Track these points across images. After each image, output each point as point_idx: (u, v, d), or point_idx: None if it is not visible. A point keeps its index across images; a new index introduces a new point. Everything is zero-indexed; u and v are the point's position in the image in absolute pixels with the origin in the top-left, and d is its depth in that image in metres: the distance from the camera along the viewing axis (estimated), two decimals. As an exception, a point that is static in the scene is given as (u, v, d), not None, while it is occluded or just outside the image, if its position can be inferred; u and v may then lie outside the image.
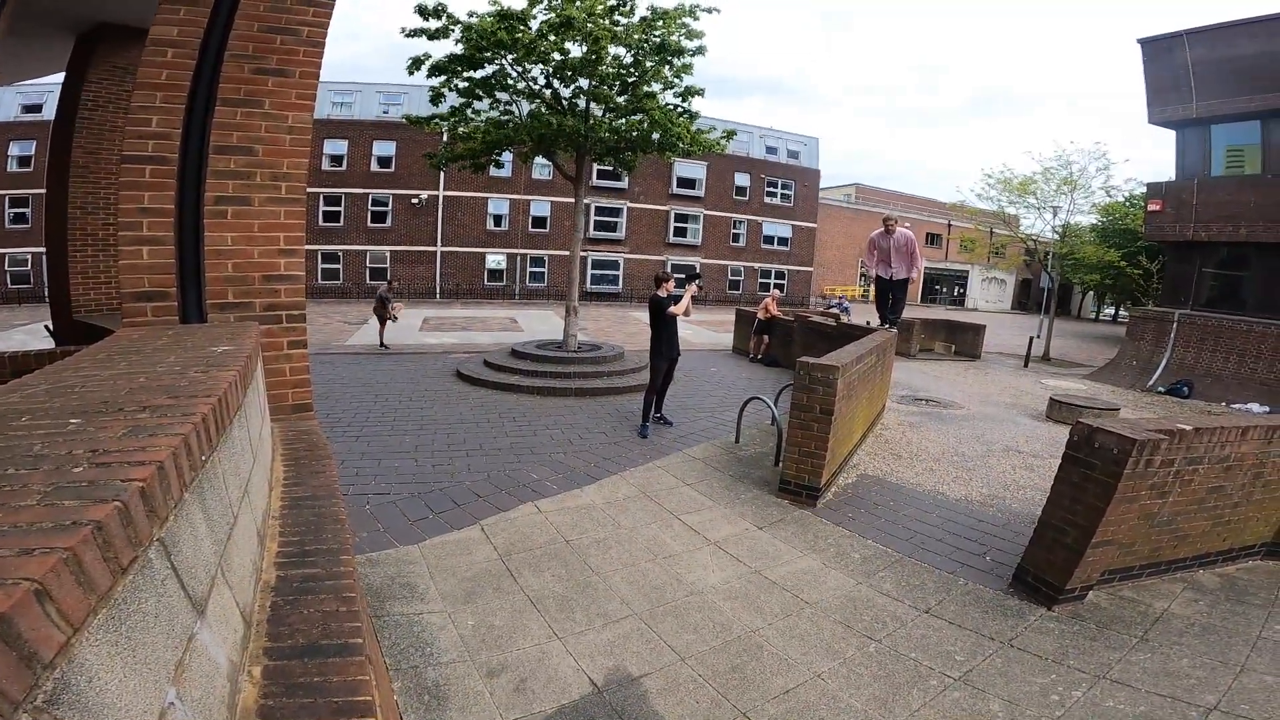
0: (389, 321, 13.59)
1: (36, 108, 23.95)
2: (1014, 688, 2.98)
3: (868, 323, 11.01)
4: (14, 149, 24.05)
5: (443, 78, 10.68)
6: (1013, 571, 4.12)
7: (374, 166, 27.22)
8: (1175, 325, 15.36)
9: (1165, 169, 16.73)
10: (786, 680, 2.97)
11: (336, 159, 26.67)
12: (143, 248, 2.50)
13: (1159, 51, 16.15)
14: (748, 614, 3.53)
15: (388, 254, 27.49)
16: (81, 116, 6.73)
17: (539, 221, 29.58)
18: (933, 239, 43.56)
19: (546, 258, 29.71)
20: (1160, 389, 14.08)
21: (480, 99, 11.03)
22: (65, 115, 6.84)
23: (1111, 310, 41.20)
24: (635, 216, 31.19)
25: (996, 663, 3.18)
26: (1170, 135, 16.46)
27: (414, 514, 4.62)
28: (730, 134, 11.46)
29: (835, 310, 18.58)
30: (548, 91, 10.86)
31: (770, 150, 35.08)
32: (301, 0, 2.88)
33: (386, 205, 27.43)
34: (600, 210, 30.32)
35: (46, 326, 7.46)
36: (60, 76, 7.26)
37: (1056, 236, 22.16)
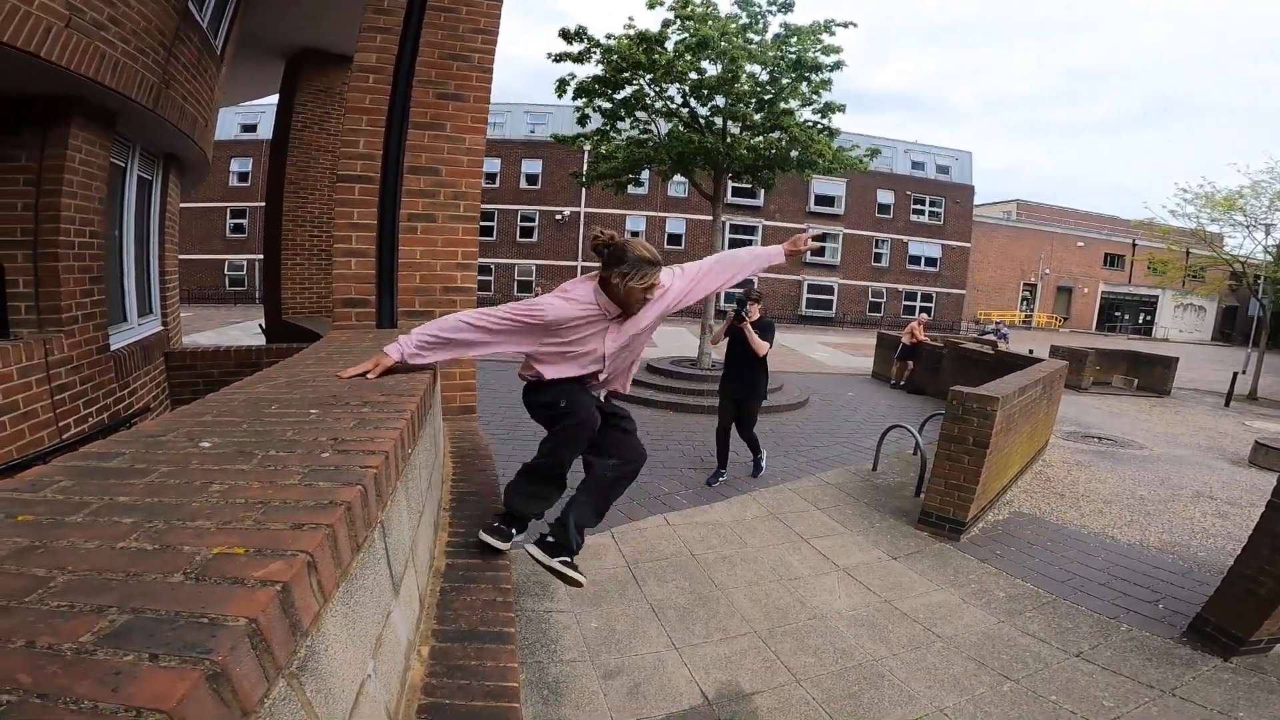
0: None
1: (252, 127, 28.03)
2: None
3: (1030, 351, 10.04)
4: (234, 165, 28.34)
5: (586, 98, 11.23)
6: (1189, 621, 3.77)
7: (523, 184, 29.15)
8: None
9: None
10: (905, 712, 2.82)
11: (490, 176, 28.87)
12: (351, 259, 2.87)
13: None
14: (871, 642, 3.38)
15: (534, 267, 29.26)
16: (293, 136, 7.73)
17: (674, 239, 30.07)
18: (1112, 260, 38.84)
19: (681, 274, 30.10)
20: None
21: (622, 119, 11.46)
22: (280, 134, 7.89)
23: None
24: (771, 234, 30.77)
25: (1151, 710, 2.90)
26: None
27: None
28: (875, 151, 11.05)
29: (992, 336, 17.13)
30: (685, 110, 11.07)
31: (916, 165, 33.17)
32: (472, 29, 3.18)
33: (533, 221, 29.25)
34: (735, 229, 30.25)
35: (260, 325, 8.69)
36: (274, 98, 8.38)
37: (1269, 258, 18.93)
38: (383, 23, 2.98)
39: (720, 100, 10.58)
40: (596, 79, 10.92)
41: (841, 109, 10.59)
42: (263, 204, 8.81)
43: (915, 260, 32.90)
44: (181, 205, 6.23)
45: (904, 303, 32.36)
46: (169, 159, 5.35)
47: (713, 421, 6.02)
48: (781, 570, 4.17)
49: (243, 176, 28.32)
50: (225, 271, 28.69)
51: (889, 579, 4.15)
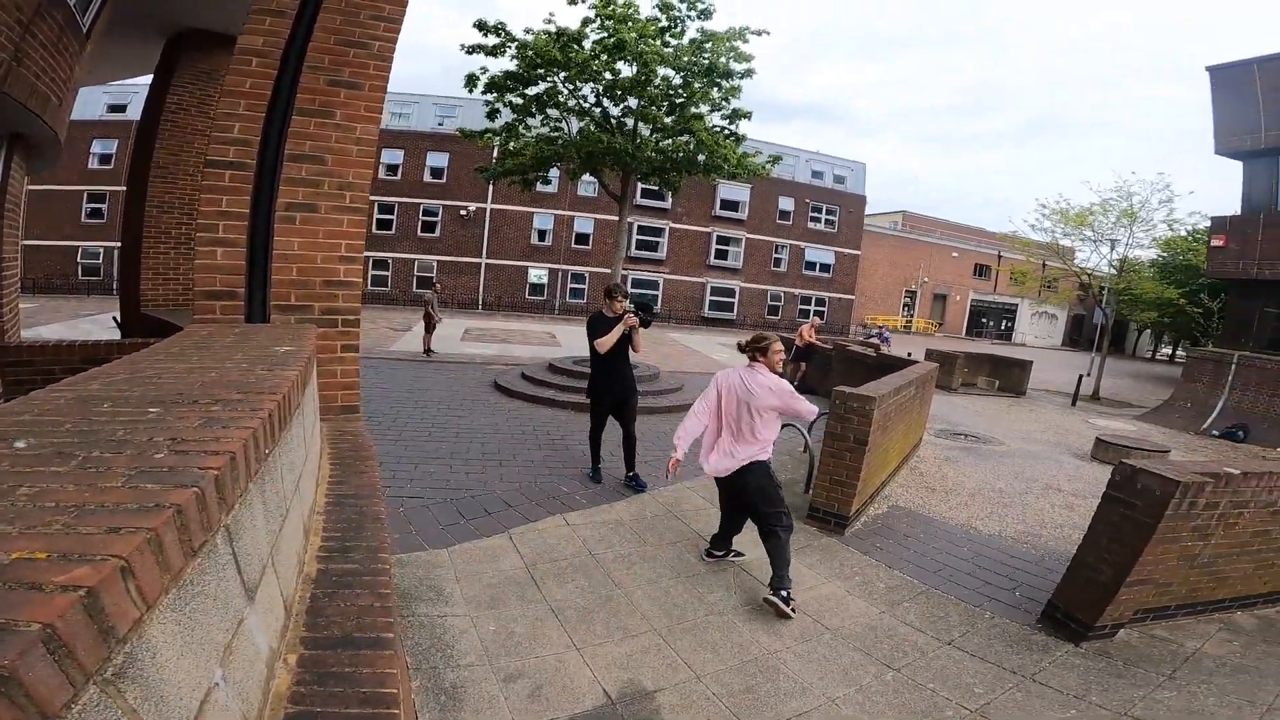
0: (435, 327, 13.92)
1: (121, 107, 25.38)
2: None
3: (909, 354, 10.82)
4: (97, 147, 25.54)
5: (497, 93, 11.03)
6: (1042, 608, 4.06)
7: (427, 177, 28.13)
8: (1234, 367, 14.68)
9: (1229, 203, 16.02)
10: (800, 704, 2.94)
11: (392, 168, 27.65)
12: (218, 249, 2.66)
13: (1229, 80, 15.61)
14: (766, 636, 3.51)
15: (435, 263, 28.26)
16: (166, 119, 7.07)
17: (582, 238, 30.03)
18: (981, 270, 42.62)
19: (587, 274, 30.10)
20: (1215, 432, 13.44)
21: (533, 115, 11.35)
22: (151, 116, 7.20)
23: (1169, 350, 39.51)
24: (677, 237, 31.39)
25: (1016, 696, 3.13)
26: (1237, 167, 15.85)
27: (445, 519, 4.73)
28: (776, 159, 11.54)
29: (875, 340, 18.32)
30: (597, 110, 11.11)
31: (816, 174, 34.95)
32: (373, 15, 3.05)
33: (437, 215, 28.27)
34: (642, 229, 30.62)
35: (114, 318, 7.88)
36: (147, 78, 7.65)
37: (1113, 271, 21.43)
38: (275, 5, 2.78)
39: (633, 101, 10.70)
40: (509, 74, 10.75)
41: (748, 116, 10.98)
42: (125, 188, 7.99)
43: (811, 266, 34.60)
44: (33, 188, 5.56)
45: (800, 306, 33.98)
46: (14, 139, 4.77)
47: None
48: (680, 567, 4.25)
49: (105, 159, 25.53)
50: (79, 260, 25.73)
51: None
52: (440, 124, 28.55)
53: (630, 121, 11.05)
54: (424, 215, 28.16)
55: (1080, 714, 3.00)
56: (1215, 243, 16.18)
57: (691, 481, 6.12)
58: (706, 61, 10.25)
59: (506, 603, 3.59)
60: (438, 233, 28.36)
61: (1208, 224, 17.98)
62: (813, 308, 33.81)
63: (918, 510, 5.93)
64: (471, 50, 10.54)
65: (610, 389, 5.72)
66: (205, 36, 7.09)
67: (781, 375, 4.07)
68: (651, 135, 11.02)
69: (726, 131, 11.09)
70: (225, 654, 0.92)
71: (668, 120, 10.80)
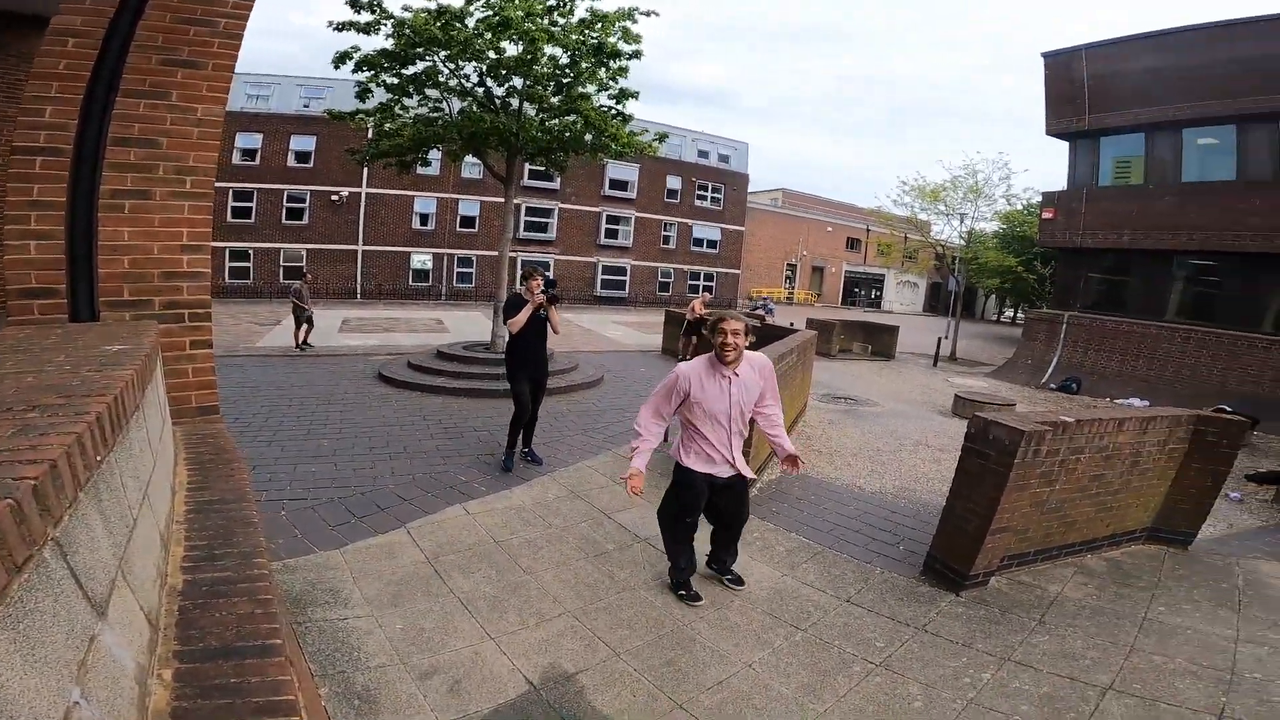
0: (306, 321, 12.95)
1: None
2: (930, 671, 3.13)
3: (791, 323, 11.41)
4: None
5: (370, 72, 10.34)
6: (923, 560, 4.30)
7: (291, 162, 25.90)
8: (1065, 326, 16.71)
9: (1058, 179, 18.10)
10: (719, 672, 3.03)
11: (249, 153, 25.21)
12: (30, 242, 2.32)
13: (1060, 65, 17.33)
14: (679, 608, 3.58)
15: (304, 252, 26.20)
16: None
17: (468, 221, 28.97)
18: (852, 243, 45.53)
19: (475, 258, 29.15)
20: (1052, 386, 15.28)
21: (410, 95, 10.75)
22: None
23: (1011, 313, 44.26)
24: (566, 218, 31.06)
25: (913, 648, 3.34)
26: (1065, 147, 17.74)
27: (334, 519, 4.46)
28: (663, 136, 11.64)
29: (760, 311, 19.15)
30: (480, 90, 10.70)
31: (702, 154, 35.70)
32: None
33: (304, 202, 26.15)
34: (531, 211, 30.03)
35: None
36: None
37: (963, 242, 23.64)
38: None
39: (518, 81, 10.36)
40: (384, 53, 10.07)
41: (635, 95, 10.95)
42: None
43: (699, 242, 35.41)
44: None
45: (689, 282, 34.79)
46: None
47: (510, 405, 5.90)
48: (588, 547, 4.26)
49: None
50: None
51: None
52: (306, 106, 26.33)
53: (515, 101, 10.74)
54: (289, 202, 25.95)
55: (970, 661, 3.23)
56: (1046, 215, 18.23)
57: (592, 460, 6.16)
58: (595, 41, 10.11)
59: (412, 599, 3.46)
60: (306, 220, 26.28)
61: (1040, 199, 20.20)
62: (701, 283, 34.75)
63: (807, 473, 6.22)
64: (341, 27, 9.81)
65: (528, 370, 5.69)
66: (20, 19, 6.21)
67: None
68: (537, 115, 10.77)
69: (614, 111, 11.04)
70: (80, 672, 0.87)
71: (554, 100, 10.59)
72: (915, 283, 47.06)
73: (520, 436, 5.92)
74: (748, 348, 3.44)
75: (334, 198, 26.32)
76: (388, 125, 11.02)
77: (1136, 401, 13.01)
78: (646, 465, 3.46)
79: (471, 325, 19.18)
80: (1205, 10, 20.88)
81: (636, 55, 10.46)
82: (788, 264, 43.11)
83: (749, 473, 3.68)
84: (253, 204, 25.36)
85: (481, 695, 2.74)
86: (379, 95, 10.84)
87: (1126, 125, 16.08)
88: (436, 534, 4.31)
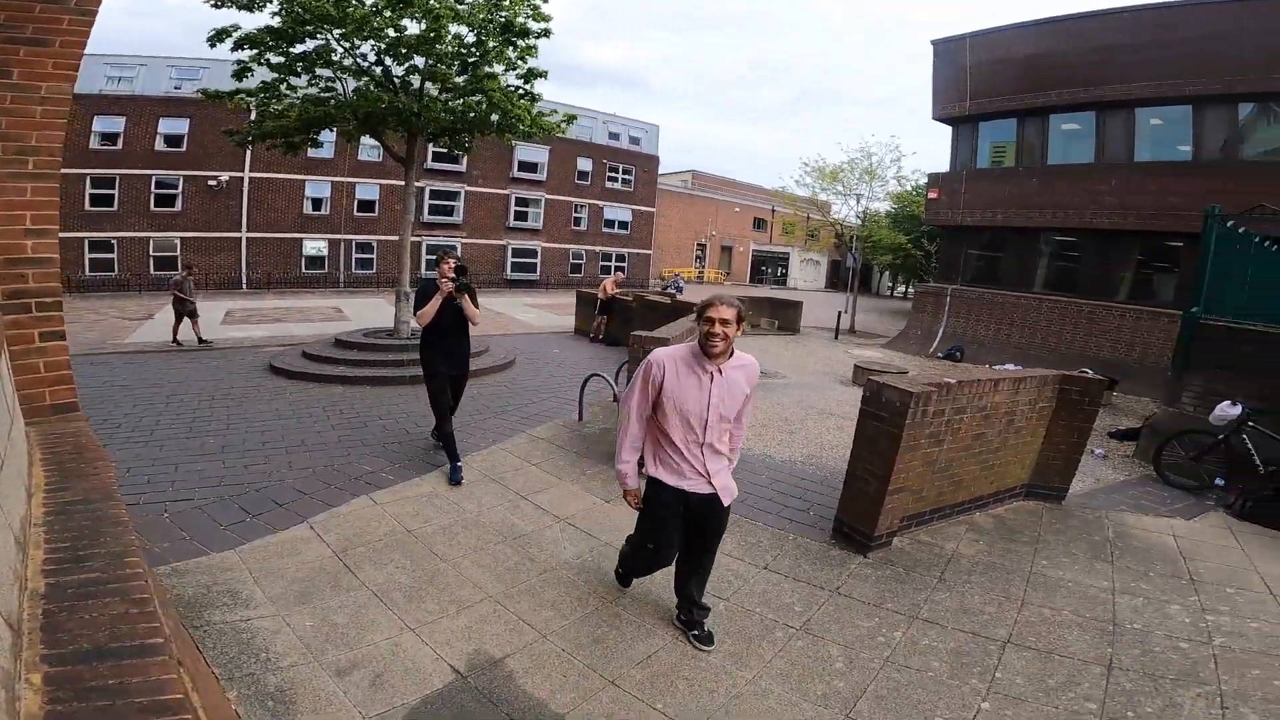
0: (189, 315, 11.87)
1: None
2: (847, 633, 3.26)
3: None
4: None
5: (253, 51, 9.52)
6: (832, 523, 4.46)
7: (160, 146, 23.52)
8: (949, 299, 18.00)
9: (943, 161, 19.40)
10: (647, 646, 3.06)
11: (110, 137, 22.66)
12: None
13: (946, 53, 18.36)
14: (603, 586, 3.59)
15: (178, 241, 23.99)
16: None
17: (366, 205, 27.47)
18: (759, 223, 46.92)
19: (375, 243, 27.74)
20: (939, 354, 16.49)
21: (298, 75, 10.00)
22: None
23: (903, 288, 47.23)
24: (474, 200, 30.11)
25: (829, 611, 3.47)
26: (949, 131, 18.90)
27: (226, 518, 4.17)
28: (571, 118, 11.45)
29: (672, 290, 19.45)
30: (378, 69, 10.11)
31: (613, 136, 35.66)
32: None
33: (176, 188, 23.84)
34: (436, 194, 28.89)
35: None
36: None
37: (859, 221, 24.93)
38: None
39: (420, 60, 9.83)
40: (270, 30, 9.27)
41: (544, 75, 10.68)
42: None
43: (610, 224, 35.41)
44: None
45: (601, 263, 34.75)
46: None
47: (416, 392, 5.69)
48: (505, 531, 4.20)
49: None
50: None
51: (605, 523, 4.40)
52: (178, 87, 23.90)
53: (416, 81, 10.20)
54: (158, 188, 23.54)
55: (882, 621, 3.40)
56: (931, 195, 19.46)
57: (506, 442, 6.07)
58: (503, 19, 9.74)
59: (321, 595, 3.30)
60: (179, 206, 23.96)
61: (926, 180, 21.56)
62: (614, 264, 34.78)
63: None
64: (220, 3, 8.97)
65: (442, 363, 5.07)
66: None
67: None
68: (440, 95, 10.29)
69: (522, 91, 10.73)
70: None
71: (459, 80, 10.15)
72: (818, 260, 49.15)
73: (445, 435, 5.21)
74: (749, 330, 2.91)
75: (212, 183, 24.18)
76: (273, 106, 10.22)
77: (1011, 367, 14.20)
78: (638, 473, 3.01)
79: (374, 312, 18.31)
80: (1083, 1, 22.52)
81: (546, 34, 10.21)
82: (698, 244, 43.92)
83: (732, 493, 3.03)
84: (115, 191, 22.86)
85: (406, 687, 2.67)
86: (262, 74, 10.03)
87: (1002, 111, 17.28)
88: (343, 527, 4.13)
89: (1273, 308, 6.93)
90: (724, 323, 2.70)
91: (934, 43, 18.80)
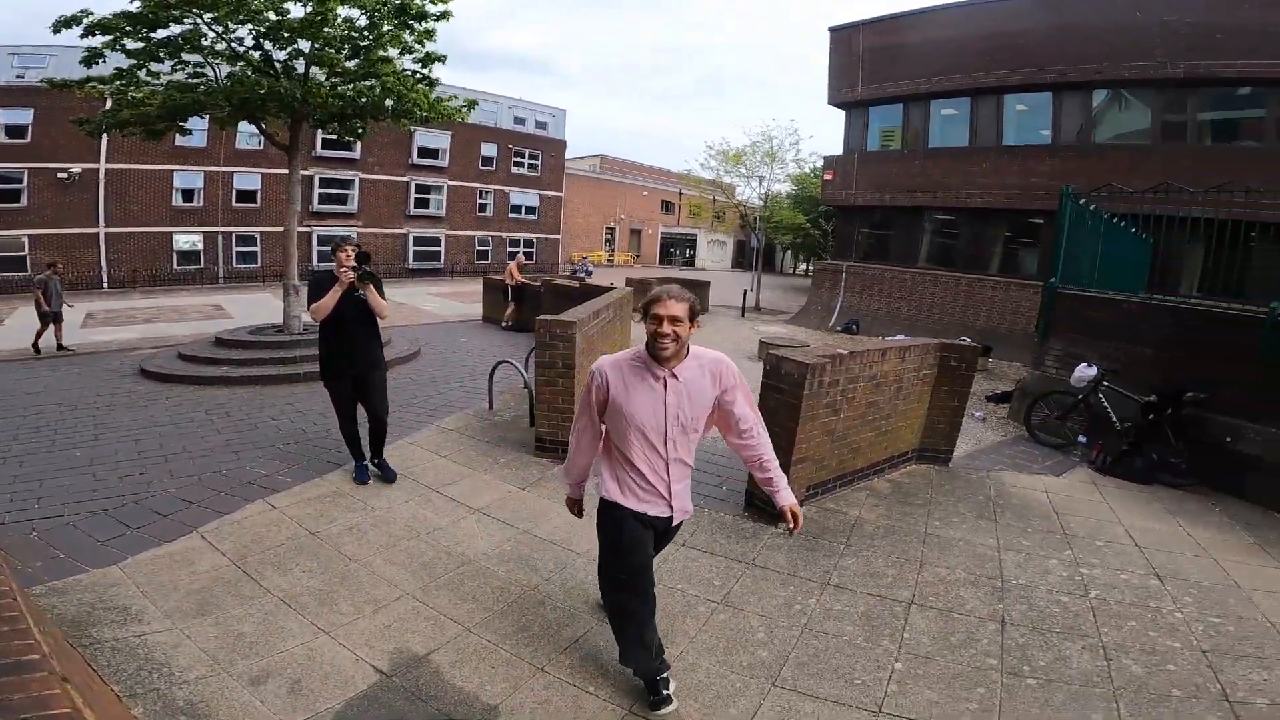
0: (54, 320, 10.62)
1: None
2: (765, 603, 3.35)
3: (611, 284, 11.70)
4: None
5: (108, 37, 8.56)
6: (744, 497, 4.57)
7: (1, 137, 20.82)
8: (844, 275, 19.02)
9: (838, 145, 20.37)
10: (574, 630, 3.07)
11: (-66, 130, 19.78)
12: None
13: (842, 40, 19.07)
14: (524, 574, 3.56)
15: (25, 239, 21.37)
16: None
17: (246, 195, 25.45)
18: (667, 206, 47.50)
19: (258, 235, 25.81)
20: (838, 328, 17.42)
21: (160, 60, 9.10)
22: None
23: (805, 266, 49.28)
24: (370, 188, 28.60)
25: (747, 583, 3.54)
26: (842, 116, 19.69)
27: (104, 533, 3.85)
28: (472, 103, 11.06)
29: (580, 274, 19.42)
30: (256, 54, 9.33)
31: (519, 121, 35.26)
32: None
33: (20, 182, 21.17)
34: (327, 182, 27.23)
35: None
36: None
37: (762, 203, 25.76)
38: None
39: (305, 44, 9.14)
40: (127, 15, 8.33)
41: (442, 59, 10.22)
42: None
43: (517, 209, 34.82)
44: None
45: (509, 249, 34.05)
46: None
47: (312, 389, 5.38)
48: (417, 526, 4.10)
49: None
50: None
51: (522, 510, 4.36)
52: (20, 76, 21.23)
53: (300, 65, 9.51)
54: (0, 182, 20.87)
55: (797, 589, 3.50)
56: (826, 177, 20.43)
57: (413, 435, 5.91)
58: (399, 2, 9.22)
59: (221, 605, 3.13)
60: (25, 202, 21.25)
61: (822, 162, 22.55)
62: (521, 249, 34.20)
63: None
64: None
65: (343, 364, 4.61)
66: None
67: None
68: (328, 80, 9.65)
69: (419, 76, 10.23)
70: None
71: (350, 64, 9.55)
72: (724, 241, 50.34)
73: (366, 445, 4.86)
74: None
75: (62, 175, 21.62)
76: (131, 94, 9.26)
77: (900, 337, 15.13)
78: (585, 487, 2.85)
79: (261, 308, 17.13)
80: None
81: (445, 16, 9.78)
82: (607, 227, 43.97)
83: (688, 513, 2.67)
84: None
85: (327, 691, 2.58)
86: (118, 61, 9.07)
87: (890, 96, 18.24)
88: (238, 534, 3.90)
89: (1120, 278, 7.79)
90: (674, 320, 2.30)
91: (831, 29, 19.57)
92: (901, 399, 5.26)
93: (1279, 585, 4.01)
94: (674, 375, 2.41)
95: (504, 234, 34.25)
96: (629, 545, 2.48)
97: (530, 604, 3.28)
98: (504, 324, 13.50)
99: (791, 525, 2.59)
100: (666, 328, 2.30)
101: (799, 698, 2.70)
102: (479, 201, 33.02)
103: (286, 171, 10.28)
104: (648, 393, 2.39)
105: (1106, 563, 4.11)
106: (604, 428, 2.53)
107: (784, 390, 4.30)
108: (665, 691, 2.56)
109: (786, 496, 2.62)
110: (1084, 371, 6.65)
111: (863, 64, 18.62)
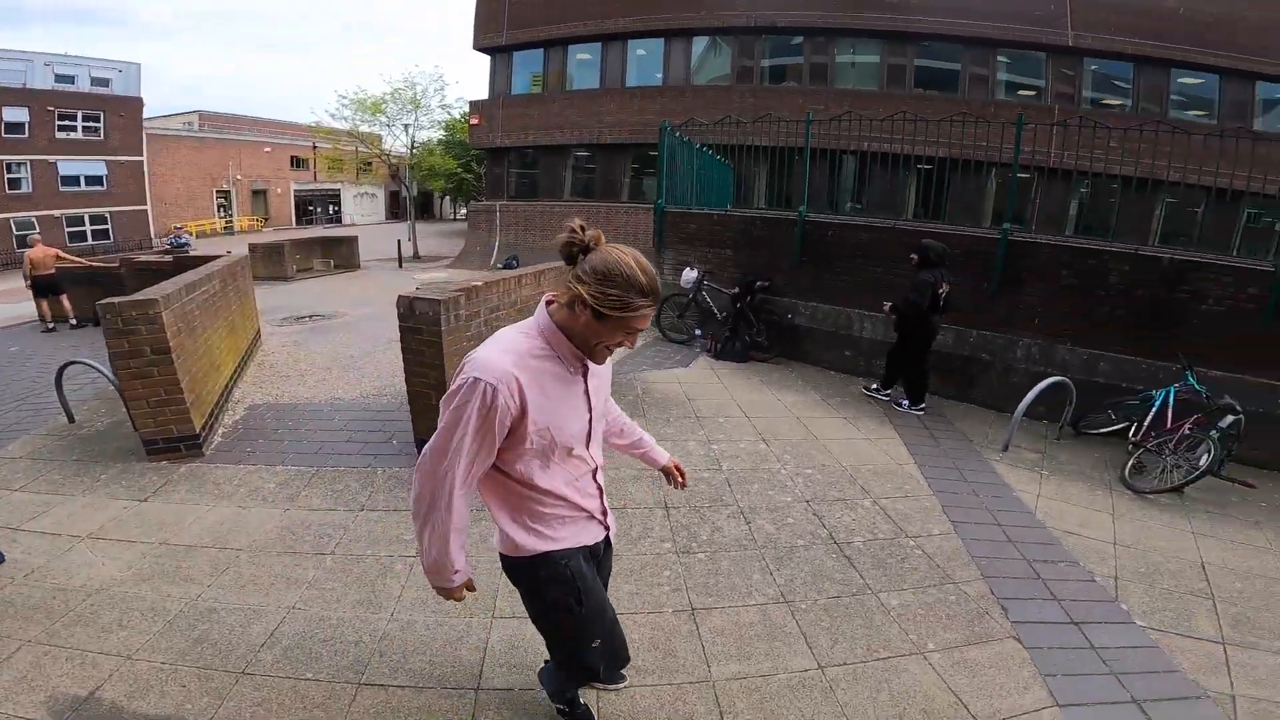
0: None
1: None
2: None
3: (228, 252, 9.86)
4: None
5: None
6: (415, 445, 4.48)
7: None
8: (499, 214, 19.50)
9: (484, 89, 20.47)
10: (262, 627, 2.78)
11: None
12: None
13: None
14: (176, 588, 3.07)
15: None
16: None
17: None
18: (299, 162, 42.02)
19: None
20: (499, 266, 17.85)
21: None
22: None
23: (463, 209, 48.53)
24: None
25: None
26: (488, 61, 19.94)
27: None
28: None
29: (180, 248, 16.24)
30: None
31: (64, 79, 28.58)
32: None
33: None
34: None
35: None
36: None
37: (409, 151, 24.42)
38: None
39: None
40: None
41: None
42: None
43: (73, 181, 27.92)
44: None
45: (69, 229, 27.35)
46: None
47: None
48: (9, 572, 3.18)
49: None
50: None
51: (150, 522, 3.70)
52: None
53: None
54: None
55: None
56: (473, 121, 20.48)
57: None
58: None
59: None
60: None
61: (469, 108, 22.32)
62: (89, 227, 27.67)
63: (279, 401, 5.84)
64: None
65: None
66: None
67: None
68: None
69: None
70: None
71: None
72: (374, 193, 46.50)
73: None
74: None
75: None
76: None
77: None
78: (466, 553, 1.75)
79: None
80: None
81: None
82: (219, 191, 37.10)
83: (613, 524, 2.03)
84: None
85: None
86: None
87: (533, 41, 18.98)
88: None
89: (712, 196, 9.40)
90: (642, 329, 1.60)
91: (476, -25, 19.18)
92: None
93: (840, 432, 5.11)
94: (586, 365, 1.73)
95: (56, 211, 26.91)
96: (596, 597, 1.86)
97: (198, 614, 2.87)
98: (48, 326, 10.13)
99: (681, 482, 2.22)
100: (634, 342, 1.63)
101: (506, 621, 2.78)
102: (8, 176, 25.45)
103: None
104: (567, 390, 1.69)
105: (729, 436, 4.79)
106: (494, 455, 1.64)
107: (422, 330, 4.24)
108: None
109: (662, 454, 2.21)
110: (689, 274, 7.97)
111: (508, 10, 18.93)
